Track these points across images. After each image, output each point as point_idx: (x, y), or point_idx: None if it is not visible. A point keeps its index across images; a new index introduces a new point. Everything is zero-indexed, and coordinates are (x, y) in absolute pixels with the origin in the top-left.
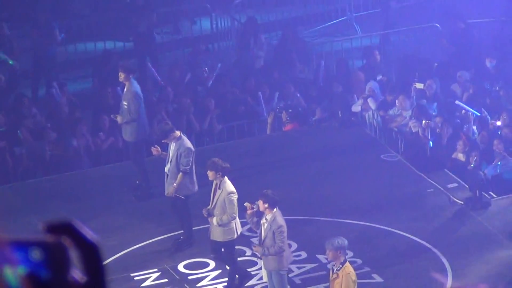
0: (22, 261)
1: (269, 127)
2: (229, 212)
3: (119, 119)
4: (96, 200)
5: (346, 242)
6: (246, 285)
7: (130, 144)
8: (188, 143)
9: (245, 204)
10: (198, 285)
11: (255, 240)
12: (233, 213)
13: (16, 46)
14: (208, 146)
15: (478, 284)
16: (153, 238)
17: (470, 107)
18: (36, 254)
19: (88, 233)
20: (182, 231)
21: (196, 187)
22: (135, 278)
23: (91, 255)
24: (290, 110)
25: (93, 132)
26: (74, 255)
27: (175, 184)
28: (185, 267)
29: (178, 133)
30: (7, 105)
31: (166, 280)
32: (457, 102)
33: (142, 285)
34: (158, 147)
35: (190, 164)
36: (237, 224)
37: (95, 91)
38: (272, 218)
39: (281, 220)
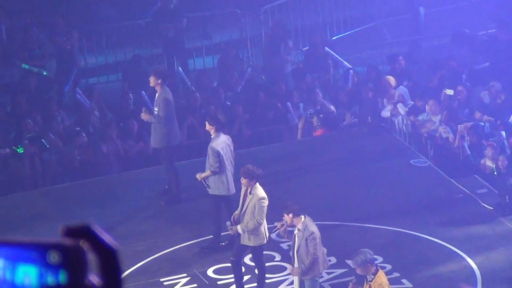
0: (39, 262)
1: (300, 132)
2: (257, 218)
3: (147, 117)
4: (125, 205)
5: (368, 254)
6: None
7: (160, 151)
8: (214, 143)
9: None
10: None
11: (284, 246)
12: (260, 219)
13: (45, 51)
14: (238, 151)
15: None
16: (183, 243)
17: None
18: (54, 257)
19: (107, 237)
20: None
21: (231, 191)
22: (165, 283)
23: (109, 260)
24: (321, 115)
25: (121, 137)
26: (92, 259)
27: (203, 174)
28: (215, 272)
29: (212, 131)
30: (37, 110)
31: (195, 285)
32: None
33: None
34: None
35: (218, 164)
36: (265, 229)
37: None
38: (303, 226)
39: (312, 227)
